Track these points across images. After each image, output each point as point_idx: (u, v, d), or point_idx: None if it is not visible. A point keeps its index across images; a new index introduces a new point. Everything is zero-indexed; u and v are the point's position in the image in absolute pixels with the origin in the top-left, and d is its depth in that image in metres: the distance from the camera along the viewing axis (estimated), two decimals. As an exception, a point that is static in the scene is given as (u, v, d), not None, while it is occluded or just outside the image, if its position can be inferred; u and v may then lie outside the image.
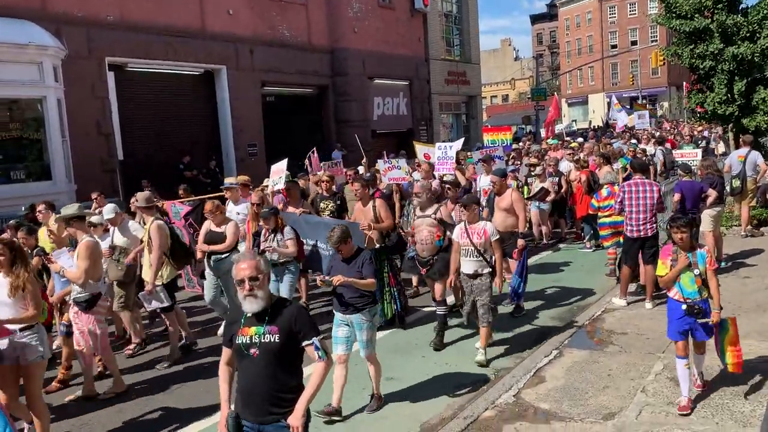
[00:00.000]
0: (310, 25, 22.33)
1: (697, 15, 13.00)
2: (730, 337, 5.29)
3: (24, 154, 14.07)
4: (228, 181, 9.74)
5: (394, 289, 7.96)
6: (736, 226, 12.18)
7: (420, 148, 12.59)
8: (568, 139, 22.65)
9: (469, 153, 16.23)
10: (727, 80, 12.97)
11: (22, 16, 13.80)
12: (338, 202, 9.53)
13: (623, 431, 4.93)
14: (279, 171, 9.75)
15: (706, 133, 26.61)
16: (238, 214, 8.99)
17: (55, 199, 13.00)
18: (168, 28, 17.34)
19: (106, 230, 7.75)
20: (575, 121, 61.15)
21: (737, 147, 13.11)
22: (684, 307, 5.25)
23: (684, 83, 12.81)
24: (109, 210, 7.75)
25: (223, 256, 7.67)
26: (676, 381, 5.70)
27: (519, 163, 14.85)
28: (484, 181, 10.76)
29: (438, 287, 7.39)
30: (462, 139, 18.54)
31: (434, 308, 7.57)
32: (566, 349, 6.86)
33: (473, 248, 6.56)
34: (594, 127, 36.32)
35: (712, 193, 9.43)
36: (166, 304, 7.32)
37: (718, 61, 12.88)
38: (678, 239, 5.30)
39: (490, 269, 6.58)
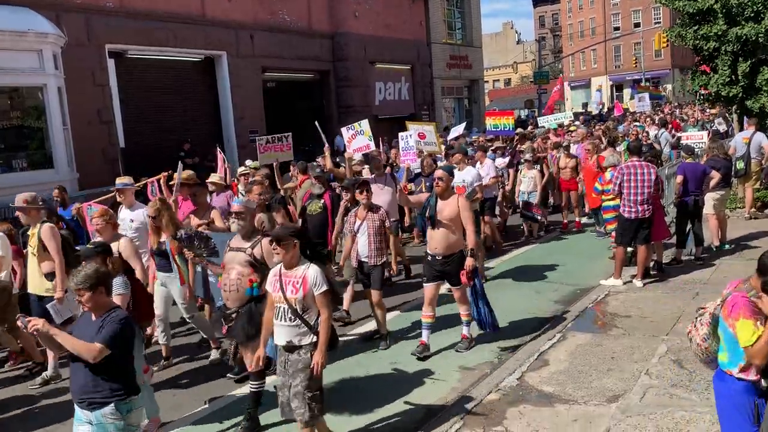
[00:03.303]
0: (310, 9, 22.19)
1: (701, -5, 12.88)
2: None
3: (25, 142, 14.04)
4: (120, 180, 7.70)
5: None
6: (740, 208, 12.15)
7: (414, 128, 11.61)
8: (575, 123, 22.53)
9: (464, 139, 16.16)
10: (731, 61, 12.87)
11: (21, 3, 13.70)
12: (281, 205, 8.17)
13: (627, 413, 4.94)
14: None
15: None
16: (132, 221, 7.41)
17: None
18: (168, 15, 17.23)
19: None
20: (585, 104, 60.61)
21: (741, 128, 13.05)
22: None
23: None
24: None
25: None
26: (679, 363, 5.71)
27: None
28: (458, 177, 9.09)
29: (248, 354, 5.26)
30: (464, 124, 18.50)
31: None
32: (570, 332, 6.87)
33: (286, 306, 4.49)
34: (593, 111, 35.99)
35: (715, 175, 9.40)
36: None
37: (722, 42, 12.76)
38: None
39: (313, 339, 4.49)
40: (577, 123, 22.47)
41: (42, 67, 13.63)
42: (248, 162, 12.17)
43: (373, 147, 9.14)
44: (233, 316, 5.28)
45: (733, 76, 12.93)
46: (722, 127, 18.94)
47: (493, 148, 13.28)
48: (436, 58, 28.79)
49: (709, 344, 3.42)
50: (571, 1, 70.17)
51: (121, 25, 16.11)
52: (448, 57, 29.87)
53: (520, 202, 11.96)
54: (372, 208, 6.97)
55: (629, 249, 8.75)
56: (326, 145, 8.52)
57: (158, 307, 6.55)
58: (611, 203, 9.53)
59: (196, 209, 7.68)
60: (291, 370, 4.50)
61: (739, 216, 11.77)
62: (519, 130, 16.09)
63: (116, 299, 4.67)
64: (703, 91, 14.41)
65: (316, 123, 8.68)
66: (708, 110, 25.37)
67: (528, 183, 11.79)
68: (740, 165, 11.55)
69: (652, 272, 8.74)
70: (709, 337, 3.41)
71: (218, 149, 11.94)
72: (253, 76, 20.02)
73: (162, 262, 6.56)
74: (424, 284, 6.66)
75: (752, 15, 12.50)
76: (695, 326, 3.51)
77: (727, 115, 19.03)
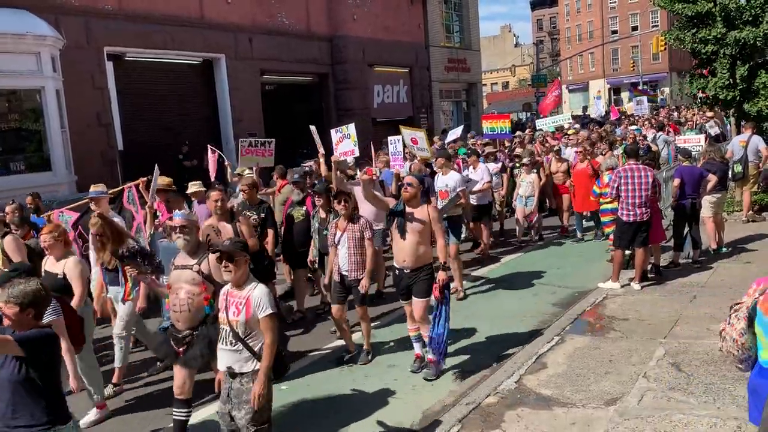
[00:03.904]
0: (309, 12, 22.21)
1: (699, -1, 12.94)
2: None
3: (23, 145, 14.01)
4: (94, 188, 7.36)
5: None
6: (737, 211, 12.17)
7: (407, 133, 11.40)
8: (574, 125, 22.54)
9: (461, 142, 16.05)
10: (729, 65, 12.92)
11: (19, 6, 13.70)
12: (263, 214, 7.88)
13: (625, 417, 4.94)
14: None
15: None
16: None
17: (55, 191, 13.04)
18: (167, 17, 17.23)
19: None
20: (585, 107, 60.59)
21: (738, 132, 13.09)
22: None
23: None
24: None
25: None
26: (677, 366, 5.72)
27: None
28: (441, 182, 9.06)
29: (178, 375, 4.94)
30: (461, 127, 18.47)
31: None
32: (568, 335, 6.87)
33: (228, 329, 4.21)
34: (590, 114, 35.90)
35: (711, 178, 9.43)
36: None
37: (720, 45, 12.82)
38: None
39: (257, 366, 4.13)
40: (576, 126, 22.49)
41: (40, 70, 13.62)
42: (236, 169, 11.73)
43: (357, 153, 8.76)
44: (187, 339, 4.83)
45: (731, 80, 12.98)
46: (714, 131, 18.94)
47: (484, 153, 13.01)
48: (435, 61, 28.83)
49: (746, 339, 3.33)
50: (569, 4, 70.34)
51: (120, 27, 16.10)
52: (446, 60, 29.90)
53: (517, 207, 11.83)
54: (352, 218, 6.45)
55: (627, 252, 8.76)
56: (320, 150, 8.23)
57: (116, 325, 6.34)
58: (609, 206, 9.55)
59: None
60: (235, 401, 4.16)
61: (736, 219, 11.80)
62: (518, 133, 16.00)
63: (50, 322, 4.44)
64: (701, 95, 14.45)
65: (312, 127, 8.44)
66: (705, 114, 25.43)
67: (526, 187, 11.68)
68: (738, 168, 11.59)
69: (649, 275, 8.76)
70: (746, 332, 3.33)
71: (211, 147, 11.45)
72: (251, 78, 20.02)
73: (113, 276, 6.28)
74: (401, 300, 6.33)
75: (750, 19, 12.57)
76: (729, 323, 3.43)
77: (723, 118, 19.04)
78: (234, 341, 4.16)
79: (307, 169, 11.62)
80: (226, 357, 4.23)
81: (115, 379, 6.31)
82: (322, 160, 8.63)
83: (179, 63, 18.61)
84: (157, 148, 17.21)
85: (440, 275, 5.91)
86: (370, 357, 6.66)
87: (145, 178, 8.13)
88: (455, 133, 16.77)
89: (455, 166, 10.63)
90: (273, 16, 20.77)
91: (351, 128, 8.70)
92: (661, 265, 9.05)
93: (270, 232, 7.84)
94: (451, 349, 6.75)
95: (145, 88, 17.67)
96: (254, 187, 8.15)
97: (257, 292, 4.16)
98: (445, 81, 30.02)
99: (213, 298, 4.76)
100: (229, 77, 19.18)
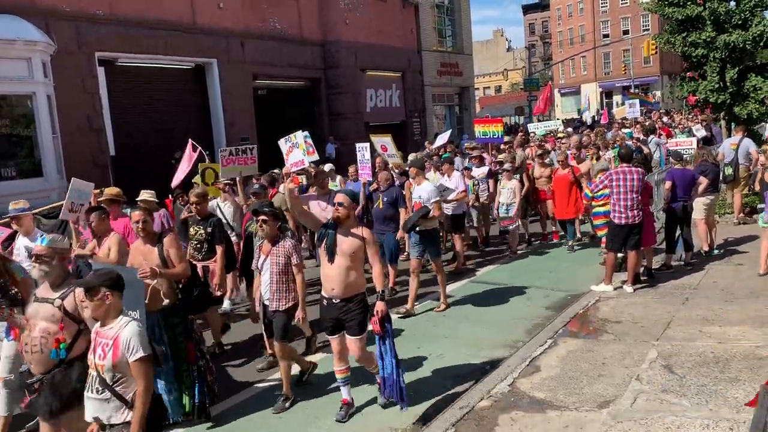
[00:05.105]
0: (301, 17, 22.23)
1: (689, 2, 13.03)
2: None
3: (14, 150, 13.95)
4: (14, 206, 6.56)
5: (194, 368, 5.44)
6: (728, 213, 12.22)
7: (377, 140, 10.96)
8: (566, 129, 22.64)
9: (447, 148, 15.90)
10: (719, 68, 13.01)
11: (9, 11, 13.65)
12: (210, 228, 7.38)
13: (618, 419, 4.94)
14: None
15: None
16: (27, 251, 6.12)
17: (46, 196, 12.96)
18: (158, 22, 17.22)
19: None
20: (579, 109, 60.64)
21: (729, 135, 13.16)
22: None
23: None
24: None
25: None
26: (670, 368, 5.73)
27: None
28: (414, 193, 8.61)
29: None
30: (448, 132, 18.45)
31: None
32: (561, 338, 6.87)
33: (95, 374, 3.66)
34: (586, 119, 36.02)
35: (703, 181, 9.47)
36: None
37: (710, 48, 12.91)
38: None
39: (128, 416, 3.63)
40: (569, 130, 22.57)
41: (31, 75, 13.58)
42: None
43: (307, 164, 7.93)
44: (35, 385, 4.11)
45: (721, 83, 13.07)
46: (700, 134, 19.01)
47: (472, 156, 12.53)
48: (427, 65, 28.91)
49: None
50: (561, 8, 70.70)
51: (111, 32, 16.07)
52: (439, 64, 30.00)
53: (500, 215, 11.13)
54: (276, 241, 5.71)
55: (619, 255, 8.79)
56: (287, 164, 7.44)
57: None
58: (601, 209, 9.57)
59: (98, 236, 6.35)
60: None
61: (727, 221, 11.85)
62: (506, 138, 15.68)
63: None
64: (690, 99, 14.55)
65: (281, 141, 7.86)
66: (698, 116, 25.58)
67: (507, 194, 10.96)
68: (728, 171, 11.65)
69: (642, 278, 8.78)
70: None
71: (192, 143, 10.53)
72: (243, 83, 20.02)
73: None
74: (327, 335, 5.53)
75: (740, 22, 12.67)
76: None
77: (710, 122, 19.13)
78: (101, 388, 3.61)
79: (275, 175, 10.97)
80: (92, 407, 3.67)
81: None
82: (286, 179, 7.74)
83: (171, 68, 18.59)
84: (148, 152, 17.21)
85: (379, 306, 5.14)
86: (288, 405, 5.70)
87: (97, 191, 7.60)
88: (443, 138, 16.67)
89: (457, 173, 10.49)
90: (265, 20, 20.79)
91: (299, 136, 7.80)
92: (653, 267, 9.08)
93: (219, 249, 7.26)
94: (443, 351, 6.76)
95: (136, 93, 17.64)
96: (204, 199, 7.60)
97: (126, 331, 3.61)
98: (437, 85, 30.11)
99: (72, 341, 4.10)
100: (221, 82, 19.19)
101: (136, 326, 3.66)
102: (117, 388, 3.61)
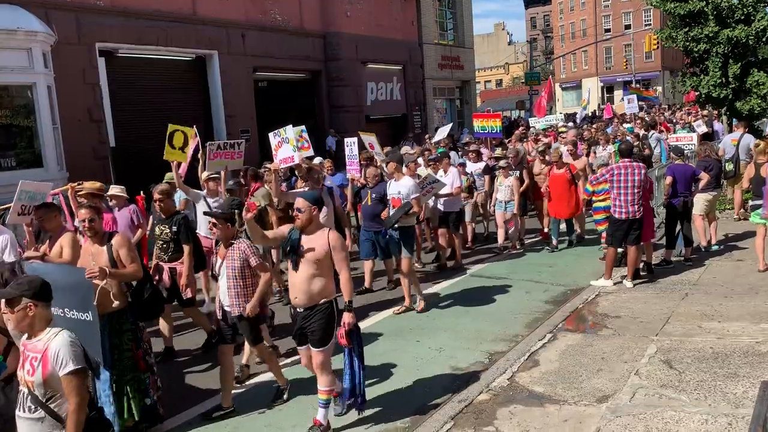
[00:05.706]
0: (302, 9, 22.16)
1: (692, -3, 13.00)
2: None
3: (14, 141, 13.91)
4: None
5: (144, 376, 5.16)
6: (728, 209, 12.23)
7: (365, 138, 10.69)
8: (565, 124, 22.58)
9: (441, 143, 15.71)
10: (722, 63, 12.99)
11: (9, 1, 13.59)
12: (175, 227, 6.92)
13: (617, 414, 4.95)
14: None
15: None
16: None
17: (46, 187, 12.91)
18: (159, 13, 17.16)
19: None
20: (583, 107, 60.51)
21: (730, 130, 13.15)
22: None
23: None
24: None
25: None
26: (669, 363, 5.74)
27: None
28: (393, 188, 8.31)
29: None
30: (449, 126, 18.40)
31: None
32: (560, 332, 6.88)
33: (26, 391, 3.33)
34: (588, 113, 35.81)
35: (703, 176, 9.46)
36: None
37: (712, 44, 12.89)
38: None
39: None
40: (570, 125, 22.52)
41: (31, 66, 13.52)
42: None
43: (297, 160, 7.74)
44: None
45: (723, 78, 13.05)
46: (701, 129, 18.98)
47: (469, 150, 12.27)
48: (428, 58, 28.84)
49: None
50: (563, 2, 70.49)
51: (112, 23, 16.02)
52: (440, 57, 29.93)
53: (497, 212, 10.86)
54: (232, 244, 5.43)
55: (619, 250, 8.79)
56: (275, 160, 7.17)
57: None
58: (602, 204, 9.57)
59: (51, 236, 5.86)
60: None
61: (728, 217, 11.86)
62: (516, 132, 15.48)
63: None
64: (690, 95, 14.53)
65: (271, 134, 7.73)
66: (700, 112, 25.54)
67: (505, 192, 10.59)
68: (729, 167, 11.64)
69: (641, 273, 8.79)
70: None
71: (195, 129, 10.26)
72: (244, 75, 19.97)
73: None
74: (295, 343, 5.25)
75: (742, 17, 12.64)
76: None
77: (711, 118, 19.09)
78: (33, 406, 3.26)
79: (258, 171, 10.38)
80: (25, 427, 3.32)
81: None
82: (273, 174, 7.38)
83: (172, 59, 18.52)
84: (148, 144, 17.15)
85: (346, 317, 4.85)
86: (286, 396, 5.66)
87: (75, 184, 7.36)
88: (443, 131, 16.55)
89: (454, 169, 10.15)
90: (266, 12, 20.72)
91: (290, 131, 7.62)
92: (653, 262, 9.09)
93: (186, 248, 6.87)
94: (443, 344, 6.76)
95: (137, 85, 17.57)
96: (169, 196, 7.16)
97: (55, 343, 3.25)
98: (438, 78, 30.05)
99: (4, 356, 3.79)
100: (221, 73, 19.13)
101: (66, 336, 3.29)
102: (51, 406, 3.27)
